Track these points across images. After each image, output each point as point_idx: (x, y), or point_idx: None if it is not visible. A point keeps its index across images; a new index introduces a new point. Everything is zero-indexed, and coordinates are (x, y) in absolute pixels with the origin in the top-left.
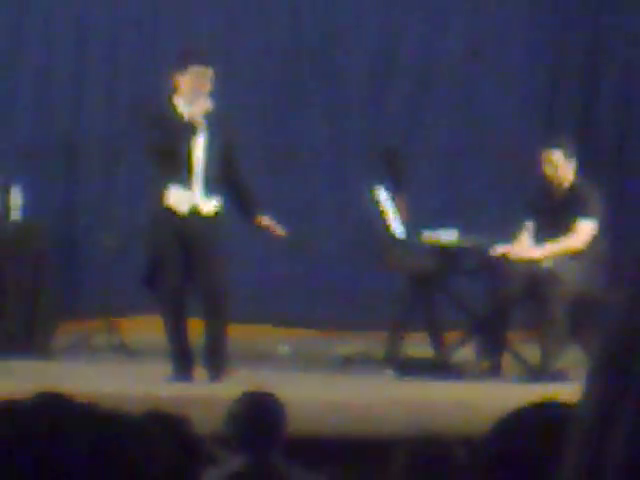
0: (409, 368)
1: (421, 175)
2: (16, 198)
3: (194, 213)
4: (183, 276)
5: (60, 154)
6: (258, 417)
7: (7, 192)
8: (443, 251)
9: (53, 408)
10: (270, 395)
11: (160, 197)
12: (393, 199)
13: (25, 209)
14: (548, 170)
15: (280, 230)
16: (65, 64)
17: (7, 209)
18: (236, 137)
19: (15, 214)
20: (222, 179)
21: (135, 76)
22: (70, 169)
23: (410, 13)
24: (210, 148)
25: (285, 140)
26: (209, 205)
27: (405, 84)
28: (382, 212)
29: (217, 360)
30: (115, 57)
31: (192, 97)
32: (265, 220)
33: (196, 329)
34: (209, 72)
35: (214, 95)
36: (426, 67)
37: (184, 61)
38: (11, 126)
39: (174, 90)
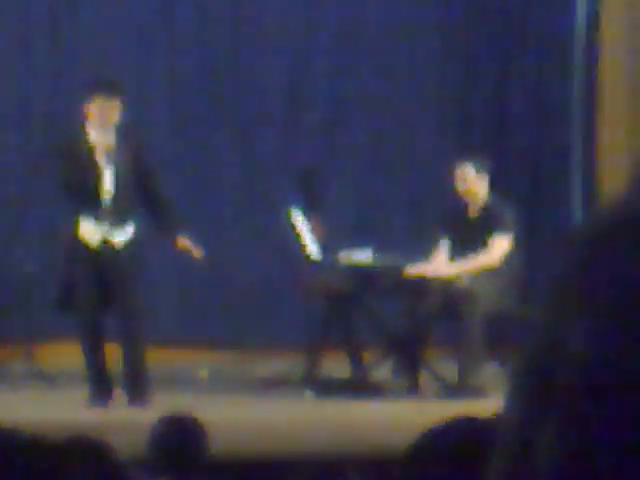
0: (328, 388)
1: (335, 194)
2: None
3: (105, 244)
4: (98, 302)
5: None
6: (180, 439)
7: None
8: (359, 270)
9: None
10: (191, 417)
11: (73, 228)
12: (308, 219)
13: None
14: (461, 186)
15: (198, 252)
16: None
17: None
18: (143, 150)
19: None
20: (138, 198)
21: (49, 105)
22: None
23: (320, 33)
24: (119, 171)
25: (200, 159)
26: (121, 234)
27: (318, 103)
28: (298, 232)
29: (137, 385)
30: (28, 87)
31: (98, 127)
32: (184, 241)
33: (116, 354)
34: (114, 103)
35: (125, 113)
36: (339, 85)
37: (91, 91)
38: None
39: (85, 118)
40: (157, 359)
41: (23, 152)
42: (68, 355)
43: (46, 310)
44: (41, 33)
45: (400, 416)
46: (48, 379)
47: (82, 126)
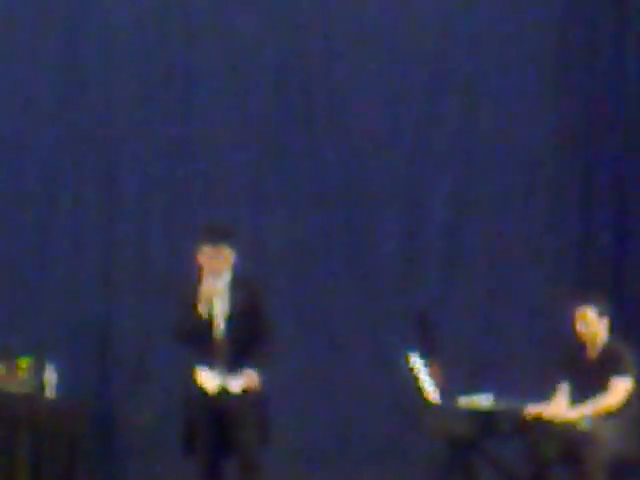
0: None
1: (454, 340)
2: (50, 375)
3: (222, 392)
4: (217, 451)
5: (93, 334)
6: None
7: (41, 369)
8: (479, 415)
9: None
10: None
11: (191, 377)
12: (427, 364)
13: (60, 386)
14: (581, 328)
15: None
16: (95, 244)
17: (42, 386)
18: (257, 297)
19: (50, 391)
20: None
21: (166, 250)
22: (104, 346)
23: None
24: (233, 318)
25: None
26: (237, 382)
27: (438, 243)
28: (417, 377)
29: None
30: (146, 237)
31: (210, 274)
32: (251, 377)
33: None
34: (223, 250)
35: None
36: (458, 223)
37: (200, 240)
38: (44, 307)
39: (199, 266)
40: None
41: (141, 301)
42: None
43: (166, 458)
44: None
45: None
46: None
47: (199, 273)
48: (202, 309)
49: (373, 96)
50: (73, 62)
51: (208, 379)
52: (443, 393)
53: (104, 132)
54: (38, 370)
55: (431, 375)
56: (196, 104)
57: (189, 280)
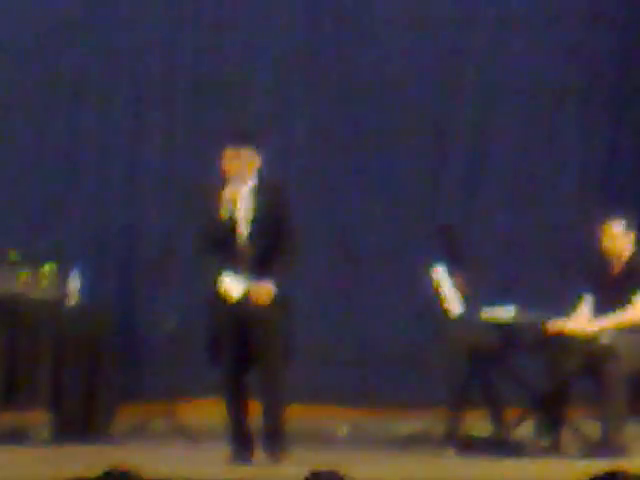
0: (469, 446)
1: (479, 251)
2: (74, 282)
3: (246, 297)
4: (241, 358)
5: (117, 241)
6: None
7: (65, 276)
8: (501, 327)
9: None
10: (338, 475)
11: (214, 283)
12: (452, 276)
13: (83, 293)
14: (607, 243)
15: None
16: (121, 155)
17: (66, 293)
18: (283, 203)
19: (74, 298)
20: (269, 252)
21: (191, 157)
22: (127, 254)
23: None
24: (257, 223)
25: (339, 207)
26: (261, 286)
27: (461, 161)
28: (440, 288)
29: (276, 442)
30: (171, 144)
31: (234, 179)
32: (265, 287)
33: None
34: (248, 154)
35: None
36: (481, 142)
37: (224, 142)
38: (70, 214)
39: (223, 171)
40: (297, 416)
41: (165, 209)
42: (210, 412)
43: (188, 366)
44: (185, 92)
45: (542, 474)
46: (190, 436)
47: (222, 179)
48: (224, 213)
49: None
50: None
51: (232, 285)
52: (466, 305)
53: (131, 35)
54: (62, 277)
55: (455, 287)
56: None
57: (213, 186)
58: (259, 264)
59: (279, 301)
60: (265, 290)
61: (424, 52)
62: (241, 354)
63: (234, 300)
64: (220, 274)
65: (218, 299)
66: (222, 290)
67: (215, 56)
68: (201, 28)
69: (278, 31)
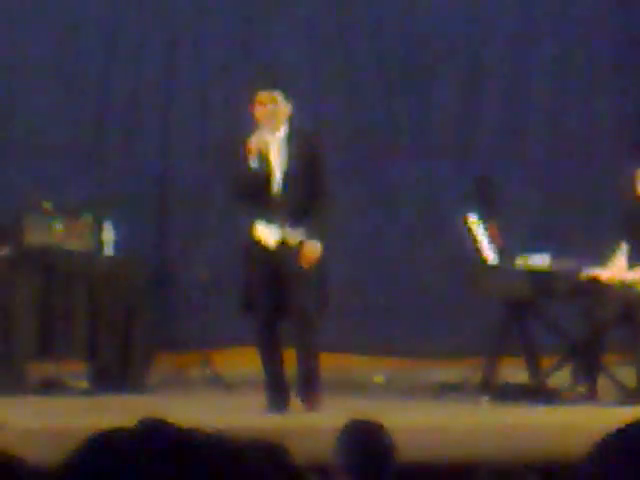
0: (505, 393)
1: (512, 198)
2: (109, 233)
3: (281, 245)
4: (275, 307)
5: (152, 191)
6: (370, 446)
7: (100, 227)
8: (536, 275)
9: (158, 434)
10: (378, 424)
11: (248, 231)
12: (485, 224)
13: (118, 244)
14: None
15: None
16: (153, 107)
17: (100, 244)
18: (320, 158)
19: (108, 249)
20: (303, 201)
21: (224, 111)
22: (162, 205)
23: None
24: (290, 170)
25: (370, 154)
26: (296, 235)
27: (494, 106)
28: (474, 238)
29: (311, 390)
30: (203, 96)
31: (266, 125)
32: (313, 247)
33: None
34: (274, 96)
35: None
36: (514, 88)
37: (253, 89)
38: (103, 165)
39: (255, 118)
40: (333, 364)
41: (198, 159)
42: (245, 361)
43: (223, 316)
44: (218, 40)
45: (578, 422)
46: (226, 385)
47: (255, 126)
48: (253, 161)
49: None
50: None
51: (267, 233)
52: (500, 253)
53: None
54: (96, 228)
55: (489, 235)
56: None
57: (245, 134)
58: (293, 213)
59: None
60: (315, 249)
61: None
62: (275, 302)
63: (269, 248)
64: (254, 223)
65: (252, 247)
66: (256, 238)
67: (245, 12)
68: None
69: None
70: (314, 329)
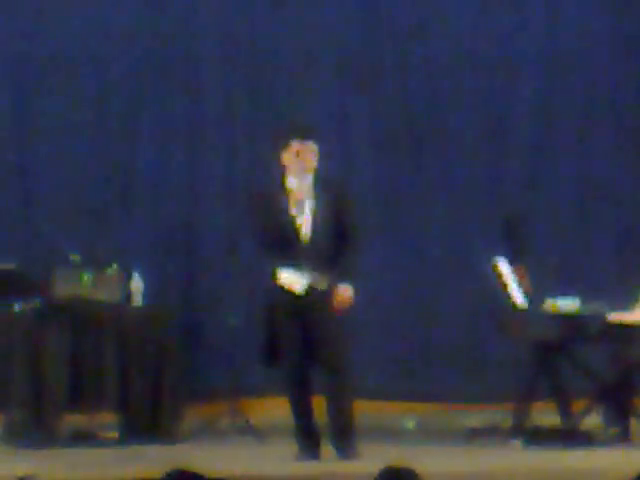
0: (537, 437)
1: (540, 242)
2: (137, 284)
3: (308, 291)
4: (303, 354)
5: (179, 240)
6: None
7: (128, 278)
8: (565, 319)
9: None
10: (411, 470)
11: (274, 277)
12: (514, 268)
13: (146, 294)
14: None
15: (347, 305)
16: (180, 153)
17: (129, 295)
18: (348, 205)
19: (137, 299)
20: (333, 245)
21: (251, 160)
22: (189, 254)
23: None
24: (318, 218)
25: (400, 204)
26: (323, 280)
27: (522, 150)
28: (503, 281)
29: (345, 437)
30: (231, 144)
31: (296, 173)
32: (346, 292)
33: (323, 407)
34: (310, 147)
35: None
36: (542, 132)
37: (286, 137)
38: (131, 215)
39: (282, 167)
40: (364, 411)
41: (226, 207)
42: (276, 409)
43: (252, 364)
44: (239, 85)
45: (610, 464)
46: (257, 434)
47: (281, 174)
48: (292, 209)
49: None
50: None
51: (294, 279)
52: (529, 297)
53: (186, 43)
54: (124, 278)
55: (518, 279)
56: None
57: (273, 183)
58: (322, 259)
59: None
60: (348, 292)
61: (479, 42)
62: (304, 350)
63: (295, 295)
64: (277, 270)
65: (277, 295)
66: (284, 285)
67: (272, 61)
68: (256, 36)
69: (334, 38)
70: (347, 376)
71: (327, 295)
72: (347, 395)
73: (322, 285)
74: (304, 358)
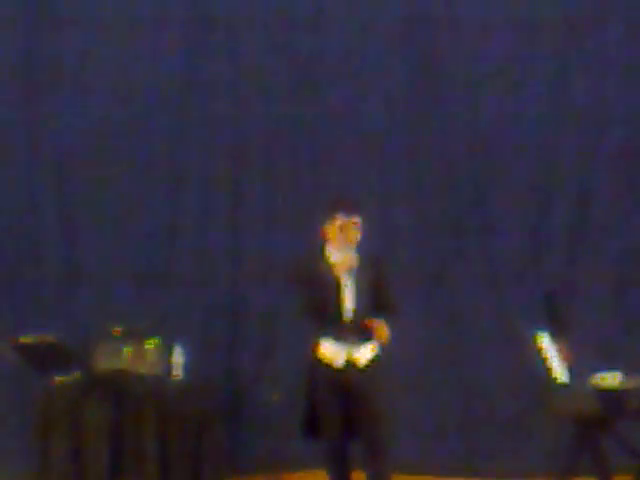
0: None
1: (582, 318)
2: (178, 357)
3: (349, 365)
4: (343, 428)
5: (221, 314)
6: None
7: (170, 351)
8: (608, 394)
9: None
10: None
11: (315, 350)
12: (555, 343)
13: (187, 367)
14: None
15: (382, 337)
16: (220, 229)
17: (170, 368)
18: (386, 280)
19: (178, 373)
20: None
21: (291, 230)
22: (231, 327)
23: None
24: (360, 290)
25: (443, 278)
26: (364, 353)
27: (562, 227)
28: (545, 355)
29: None
30: (271, 216)
31: (339, 246)
32: (380, 326)
33: None
34: (354, 222)
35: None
36: (581, 202)
37: (330, 211)
38: (172, 290)
39: (325, 240)
40: None
41: (267, 283)
42: None
43: (293, 438)
44: (286, 159)
45: None
46: None
47: (322, 247)
48: (334, 283)
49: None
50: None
51: (334, 353)
52: (572, 372)
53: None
54: (166, 352)
55: (560, 354)
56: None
57: (313, 256)
58: (361, 332)
59: (380, 369)
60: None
61: (520, 106)
62: (344, 424)
63: (336, 368)
64: (318, 342)
65: (317, 368)
66: (322, 357)
67: (313, 131)
68: (299, 100)
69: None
70: (386, 450)
71: (367, 371)
72: (387, 470)
73: (362, 360)
74: (344, 433)
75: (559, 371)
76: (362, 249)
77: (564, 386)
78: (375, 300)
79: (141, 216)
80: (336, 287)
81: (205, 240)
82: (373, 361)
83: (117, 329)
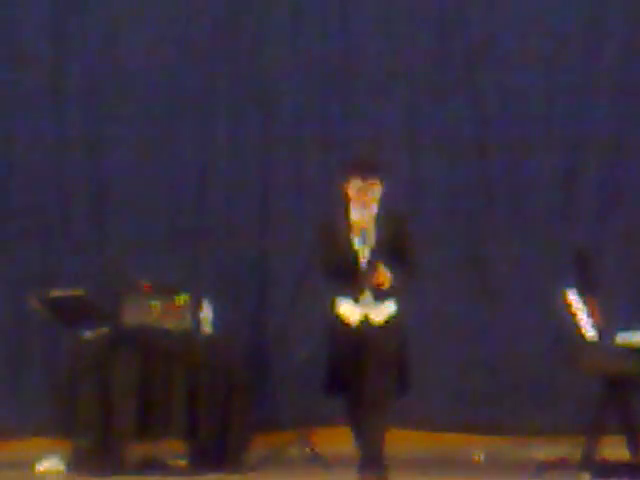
0: (606, 471)
1: (612, 276)
2: (207, 312)
3: (365, 323)
4: (360, 384)
5: (250, 269)
6: None
7: (198, 306)
8: (636, 352)
9: None
10: None
11: (333, 308)
12: (584, 300)
13: (216, 323)
14: None
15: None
16: (252, 188)
17: (198, 323)
18: (405, 237)
19: (206, 328)
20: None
21: (321, 193)
22: (260, 282)
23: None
24: (378, 249)
25: (472, 238)
26: (381, 312)
27: (593, 186)
28: (573, 311)
29: (374, 465)
30: (302, 177)
31: (357, 206)
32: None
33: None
34: (371, 183)
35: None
36: (615, 167)
37: (347, 173)
38: (202, 245)
39: (346, 199)
40: (431, 443)
41: (296, 240)
42: (345, 439)
43: (320, 395)
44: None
45: None
46: (325, 464)
47: (346, 207)
48: (354, 240)
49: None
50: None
51: (350, 311)
52: (600, 330)
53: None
54: (195, 307)
55: (588, 312)
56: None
57: (335, 213)
58: (380, 290)
59: (397, 327)
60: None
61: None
62: (362, 378)
63: (352, 325)
64: (339, 301)
65: (335, 326)
66: (338, 315)
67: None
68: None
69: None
70: (383, 407)
71: (385, 327)
72: (383, 426)
73: (378, 317)
74: (362, 388)
75: (588, 328)
76: (386, 205)
77: (592, 344)
78: (395, 255)
79: (167, 173)
80: (353, 247)
81: (236, 196)
82: (391, 318)
83: (146, 284)
